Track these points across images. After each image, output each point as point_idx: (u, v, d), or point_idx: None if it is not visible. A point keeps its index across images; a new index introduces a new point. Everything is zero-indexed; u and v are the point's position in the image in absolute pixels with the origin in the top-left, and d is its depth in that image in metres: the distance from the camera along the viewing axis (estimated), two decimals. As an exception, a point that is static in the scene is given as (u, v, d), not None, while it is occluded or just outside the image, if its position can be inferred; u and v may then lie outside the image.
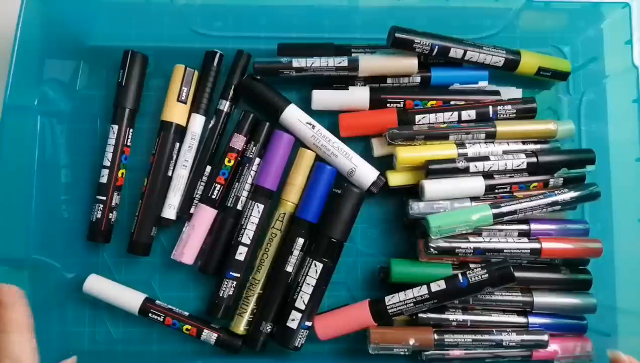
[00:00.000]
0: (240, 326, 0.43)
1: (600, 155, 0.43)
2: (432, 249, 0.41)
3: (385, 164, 0.45)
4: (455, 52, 0.43)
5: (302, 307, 0.41)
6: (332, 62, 0.43)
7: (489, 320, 0.42)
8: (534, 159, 0.43)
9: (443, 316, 0.42)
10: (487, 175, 0.42)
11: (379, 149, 0.45)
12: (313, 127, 0.44)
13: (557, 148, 0.44)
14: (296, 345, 0.42)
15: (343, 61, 0.43)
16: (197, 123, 0.45)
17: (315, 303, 0.42)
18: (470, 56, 0.44)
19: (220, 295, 0.43)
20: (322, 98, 0.44)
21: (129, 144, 0.45)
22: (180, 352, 0.45)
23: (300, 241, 0.42)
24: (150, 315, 0.43)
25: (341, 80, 0.45)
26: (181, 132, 0.45)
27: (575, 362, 0.43)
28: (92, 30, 0.46)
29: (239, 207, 0.44)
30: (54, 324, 0.43)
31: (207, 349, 0.44)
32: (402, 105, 0.45)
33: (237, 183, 0.44)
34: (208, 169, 0.44)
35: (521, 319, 0.43)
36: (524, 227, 0.43)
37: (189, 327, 0.43)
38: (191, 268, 0.45)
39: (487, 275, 0.40)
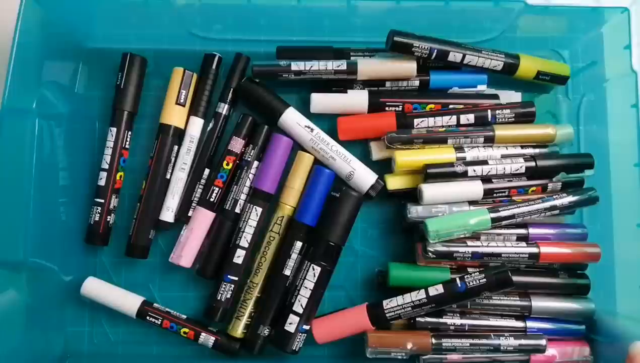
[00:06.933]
0: (238, 329, 0.43)
1: (600, 160, 0.43)
2: (430, 253, 0.41)
3: (383, 167, 0.45)
4: (454, 56, 0.43)
5: (300, 311, 0.41)
6: (330, 66, 0.43)
7: (486, 325, 0.42)
8: (532, 163, 0.42)
9: (441, 320, 0.42)
10: (486, 179, 0.42)
11: (377, 152, 0.45)
12: (312, 130, 0.44)
13: (556, 152, 0.44)
14: (294, 348, 0.42)
15: (342, 65, 0.43)
16: (196, 126, 0.45)
17: (313, 307, 0.42)
18: (469, 60, 0.43)
19: (218, 298, 0.43)
20: (320, 101, 0.44)
21: (127, 146, 0.45)
22: (178, 355, 0.45)
23: (299, 244, 0.42)
24: (148, 318, 0.43)
25: (340, 84, 0.45)
26: (180, 135, 0.44)
27: (573, 366, 0.43)
28: (91, 32, 0.46)
29: (237, 210, 0.44)
30: (52, 327, 0.43)
31: (205, 352, 0.44)
32: (400, 108, 0.44)
33: (235, 187, 0.44)
34: (206, 172, 0.44)
35: (519, 323, 0.43)
36: (522, 231, 0.43)
37: (186, 330, 0.43)
38: (189, 272, 0.45)
39: (485, 279, 0.40)
